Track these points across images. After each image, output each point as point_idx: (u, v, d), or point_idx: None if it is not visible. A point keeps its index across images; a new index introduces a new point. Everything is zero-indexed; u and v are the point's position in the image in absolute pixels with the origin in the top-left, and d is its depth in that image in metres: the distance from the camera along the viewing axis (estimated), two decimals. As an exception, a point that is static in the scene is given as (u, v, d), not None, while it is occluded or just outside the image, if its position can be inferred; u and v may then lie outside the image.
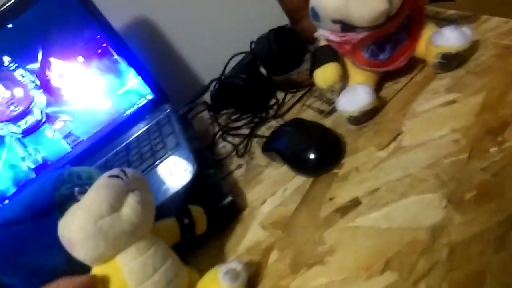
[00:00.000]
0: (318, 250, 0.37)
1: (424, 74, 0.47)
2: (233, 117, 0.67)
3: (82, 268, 0.33)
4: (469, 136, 0.36)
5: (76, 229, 0.31)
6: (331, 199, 0.41)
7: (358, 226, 0.36)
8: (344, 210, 0.39)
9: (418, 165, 0.37)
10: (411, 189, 0.36)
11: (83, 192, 0.33)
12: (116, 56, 0.65)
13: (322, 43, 0.48)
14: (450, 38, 0.41)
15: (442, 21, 0.51)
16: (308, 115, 0.55)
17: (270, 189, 0.48)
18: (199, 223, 0.40)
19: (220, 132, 0.65)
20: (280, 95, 0.63)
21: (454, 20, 0.50)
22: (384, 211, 0.36)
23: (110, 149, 0.65)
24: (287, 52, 0.62)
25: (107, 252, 0.32)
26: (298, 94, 0.61)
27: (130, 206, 0.33)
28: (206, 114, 0.74)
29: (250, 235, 0.44)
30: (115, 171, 0.34)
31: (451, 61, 0.43)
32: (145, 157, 0.57)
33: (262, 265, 0.39)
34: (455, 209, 0.32)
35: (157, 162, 0.54)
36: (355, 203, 0.38)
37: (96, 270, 0.33)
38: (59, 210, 0.34)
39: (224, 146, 0.63)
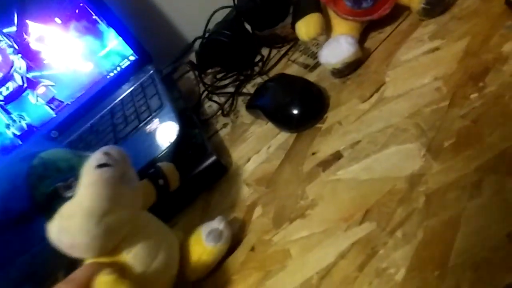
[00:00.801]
0: (300, 204, 0.37)
1: (409, 22, 0.45)
2: (219, 76, 0.65)
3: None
4: (451, 83, 0.35)
5: (79, 233, 0.28)
6: (313, 153, 0.40)
7: (339, 179, 0.36)
8: (326, 163, 0.38)
9: (400, 115, 0.36)
10: (392, 140, 0.35)
11: (68, 187, 0.29)
12: (94, 16, 0.63)
13: (304, -8, 0.46)
14: (434, -18, 0.39)
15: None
16: (293, 70, 0.54)
17: (254, 147, 0.47)
18: (172, 181, 0.39)
19: (205, 92, 0.64)
20: (265, 51, 0.62)
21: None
22: (365, 163, 0.35)
23: (95, 113, 0.64)
24: (271, 5, 0.59)
25: (111, 245, 0.30)
26: (283, 50, 0.59)
27: (127, 196, 0.31)
28: (192, 74, 0.72)
29: (234, 193, 0.44)
30: (101, 158, 0.29)
31: (435, 7, 0.41)
32: (130, 119, 0.56)
33: (247, 221, 0.40)
34: (433, 158, 0.31)
35: (141, 124, 0.53)
36: (337, 156, 0.38)
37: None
38: (45, 213, 0.29)
39: (210, 106, 0.62)
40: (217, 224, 0.36)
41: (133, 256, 0.31)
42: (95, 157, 0.29)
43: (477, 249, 0.25)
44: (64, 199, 0.29)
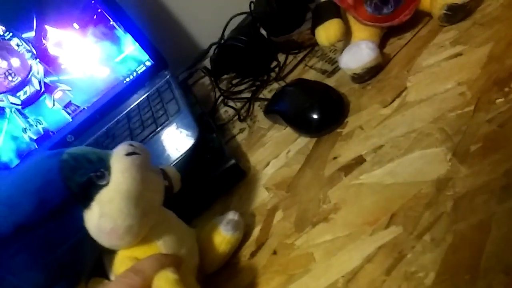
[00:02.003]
0: (322, 208, 0.37)
1: (429, 28, 0.45)
2: (234, 81, 0.66)
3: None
4: (475, 88, 0.35)
5: (120, 215, 0.30)
6: (335, 158, 0.40)
7: (363, 183, 0.36)
8: (348, 168, 0.38)
9: (423, 120, 0.36)
10: (416, 144, 0.35)
11: (101, 176, 0.31)
12: (112, 22, 0.64)
13: (324, -2, 0.46)
14: (456, -12, 0.40)
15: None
16: (311, 76, 0.54)
17: (273, 151, 0.47)
18: (176, 183, 0.40)
19: (221, 97, 0.64)
20: (281, 57, 0.62)
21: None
22: (389, 167, 0.35)
23: (111, 118, 0.65)
24: (287, 11, 0.60)
25: (145, 230, 0.32)
26: (300, 55, 0.60)
27: (155, 181, 0.34)
28: (206, 80, 0.73)
29: (254, 197, 0.44)
30: (129, 148, 0.32)
31: (457, 12, 0.41)
32: (147, 124, 0.57)
33: (267, 224, 0.40)
34: (460, 162, 0.31)
35: (159, 128, 0.54)
36: (359, 160, 0.38)
37: (127, 253, 0.32)
38: (81, 203, 0.31)
39: (226, 111, 0.62)
40: (232, 215, 0.39)
41: (163, 243, 0.33)
42: (123, 148, 0.32)
43: (509, 252, 0.25)
44: (99, 187, 0.31)
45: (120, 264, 0.32)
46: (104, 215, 0.30)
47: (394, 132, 0.38)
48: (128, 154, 0.32)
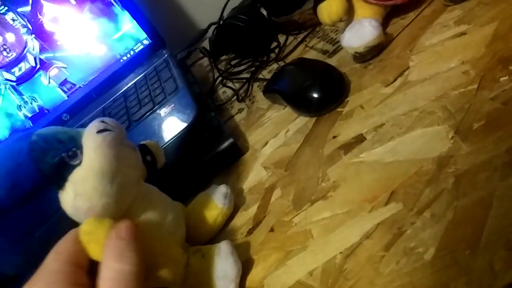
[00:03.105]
0: (321, 186, 0.37)
1: (433, 7, 0.45)
2: (233, 62, 0.65)
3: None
4: (479, 66, 0.35)
5: (96, 194, 0.29)
6: (334, 137, 0.40)
7: (363, 161, 0.36)
8: (348, 146, 0.38)
9: (425, 99, 0.36)
10: (418, 123, 0.35)
11: (73, 156, 0.30)
12: (109, -1, 0.63)
13: (326, -25, 0.45)
14: (462, -34, 0.39)
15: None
16: (311, 56, 0.54)
17: (272, 131, 0.47)
18: (159, 158, 0.39)
19: (220, 78, 0.63)
20: (281, 38, 0.61)
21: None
22: (390, 146, 0.35)
23: (108, 96, 0.64)
24: (288, -9, 0.59)
25: (125, 206, 0.32)
26: (301, 36, 0.59)
27: (131, 156, 0.33)
28: (205, 61, 0.72)
29: (252, 176, 0.43)
30: (100, 125, 0.31)
31: (463, -9, 0.41)
32: (144, 102, 0.56)
33: (265, 202, 0.39)
34: (462, 139, 0.31)
35: (156, 107, 0.53)
36: (360, 139, 0.38)
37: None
38: (55, 183, 0.30)
39: (224, 92, 0.61)
40: (224, 188, 0.40)
41: (144, 218, 0.33)
42: (94, 125, 0.31)
43: (511, 228, 0.25)
44: (71, 167, 0.30)
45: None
46: (79, 195, 0.29)
47: (395, 111, 0.37)
48: (100, 131, 0.30)
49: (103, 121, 0.32)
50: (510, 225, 0.25)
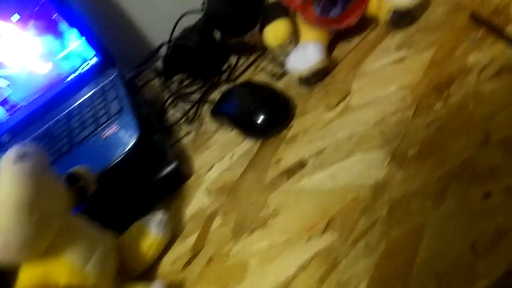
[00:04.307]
0: (262, 213, 0.35)
1: (377, 32, 0.45)
2: (185, 82, 0.63)
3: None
4: (416, 92, 0.35)
5: (13, 229, 0.27)
6: (278, 161, 0.39)
7: (303, 187, 0.35)
8: (290, 172, 0.37)
9: (365, 123, 0.36)
10: (357, 148, 0.34)
11: None
12: (56, 15, 0.60)
13: (272, -1, 0.45)
14: (402, -7, 0.40)
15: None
16: (261, 78, 0.53)
17: (218, 154, 0.46)
18: (89, 185, 0.38)
19: (170, 98, 0.61)
20: (233, 59, 0.60)
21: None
22: (330, 171, 0.34)
23: (51, 116, 0.61)
24: (240, 12, 0.58)
25: (46, 242, 0.29)
26: (252, 58, 0.58)
27: (53, 186, 0.31)
28: (157, 81, 0.70)
29: (195, 201, 0.42)
30: (18, 152, 0.29)
31: (402, 18, 0.41)
32: (87, 123, 0.53)
33: (205, 231, 0.38)
34: (397, 166, 0.30)
35: (99, 128, 0.50)
36: (302, 164, 0.37)
37: (33, 268, 0.30)
38: None
39: (174, 113, 0.59)
40: (161, 215, 0.38)
41: (71, 252, 0.31)
42: (11, 153, 0.29)
43: (441, 259, 0.24)
44: None
45: (29, 281, 0.29)
46: None
47: (336, 135, 0.37)
48: (18, 158, 0.28)
49: (22, 147, 0.29)
50: (440, 256, 0.24)
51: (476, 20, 0.37)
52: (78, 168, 0.37)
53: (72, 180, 0.35)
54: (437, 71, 0.36)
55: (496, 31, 0.35)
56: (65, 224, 0.31)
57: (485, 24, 0.36)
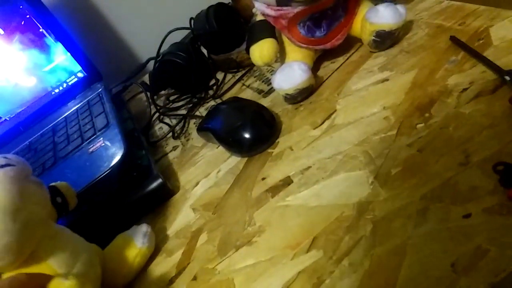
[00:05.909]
0: (247, 230, 0.35)
1: (360, 53, 0.46)
2: (172, 98, 0.64)
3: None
4: (398, 112, 0.36)
5: None
6: (263, 178, 0.39)
7: (288, 205, 0.35)
8: (276, 189, 0.37)
9: (349, 143, 0.36)
10: (341, 166, 0.35)
11: None
12: (41, 29, 0.60)
13: (259, 18, 0.46)
14: (384, 16, 0.41)
15: None
16: (247, 95, 0.54)
17: (204, 171, 0.46)
18: (70, 199, 0.38)
19: (157, 114, 0.62)
20: (220, 76, 0.61)
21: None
22: (314, 189, 0.35)
23: (36, 130, 0.60)
24: (227, 30, 0.59)
25: (30, 247, 0.29)
26: (238, 74, 0.59)
27: (36, 193, 0.31)
28: (144, 96, 0.70)
29: (180, 218, 0.42)
30: (1, 160, 0.30)
31: (385, 39, 0.42)
32: (72, 138, 0.53)
33: (190, 248, 0.37)
34: (381, 185, 0.31)
35: (84, 143, 0.50)
36: (287, 181, 0.37)
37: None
38: None
39: (160, 128, 0.60)
40: (145, 227, 0.39)
41: (54, 259, 0.30)
42: None
43: (422, 278, 0.25)
44: None
45: None
46: None
47: (321, 153, 0.37)
48: (1, 166, 0.29)
49: (5, 157, 0.30)
50: (421, 275, 0.25)
51: (456, 43, 0.38)
52: (59, 183, 0.37)
53: (53, 193, 0.35)
54: (419, 92, 0.37)
55: (475, 55, 0.36)
56: (49, 231, 0.31)
57: (465, 48, 0.37)
